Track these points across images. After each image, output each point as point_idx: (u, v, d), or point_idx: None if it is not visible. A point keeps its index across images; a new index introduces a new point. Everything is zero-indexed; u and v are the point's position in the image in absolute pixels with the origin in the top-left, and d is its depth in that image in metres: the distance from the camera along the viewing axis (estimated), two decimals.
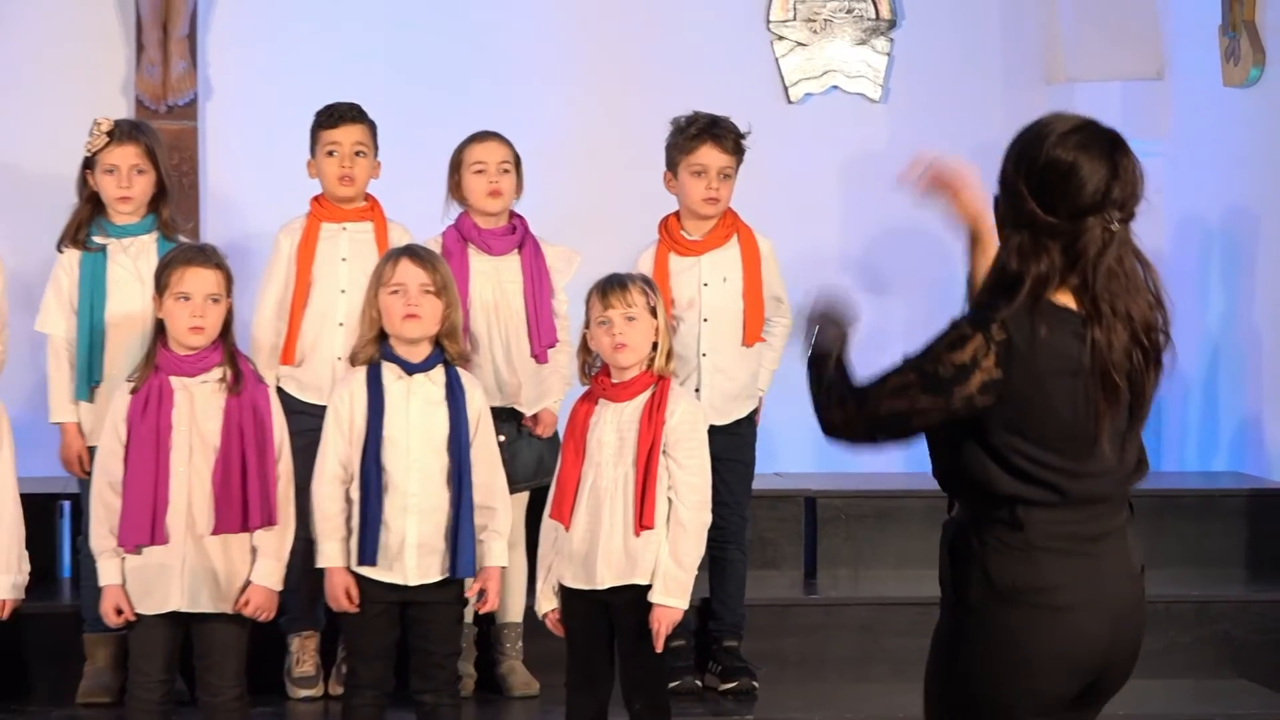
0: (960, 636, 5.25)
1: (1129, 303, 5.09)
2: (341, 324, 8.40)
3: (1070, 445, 5.11)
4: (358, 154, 8.53)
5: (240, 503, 7.46)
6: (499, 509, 7.68)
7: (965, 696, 5.25)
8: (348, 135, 8.53)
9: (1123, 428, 5.16)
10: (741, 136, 8.55)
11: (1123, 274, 5.09)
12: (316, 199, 8.58)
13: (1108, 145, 5.14)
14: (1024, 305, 5.07)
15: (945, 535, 5.31)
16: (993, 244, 5.39)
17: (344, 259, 8.52)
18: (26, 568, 7.56)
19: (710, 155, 8.47)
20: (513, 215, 8.58)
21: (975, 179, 5.54)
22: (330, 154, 8.52)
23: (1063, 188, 5.09)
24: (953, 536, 5.27)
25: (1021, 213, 5.12)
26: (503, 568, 7.71)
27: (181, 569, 7.46)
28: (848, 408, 5.18)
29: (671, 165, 8.55)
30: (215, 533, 7.46)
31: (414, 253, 7.66)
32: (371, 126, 8.61)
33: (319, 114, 8.60)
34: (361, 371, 7.60)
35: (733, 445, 8.46)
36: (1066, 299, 5.10)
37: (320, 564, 7.57)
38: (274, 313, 8.48)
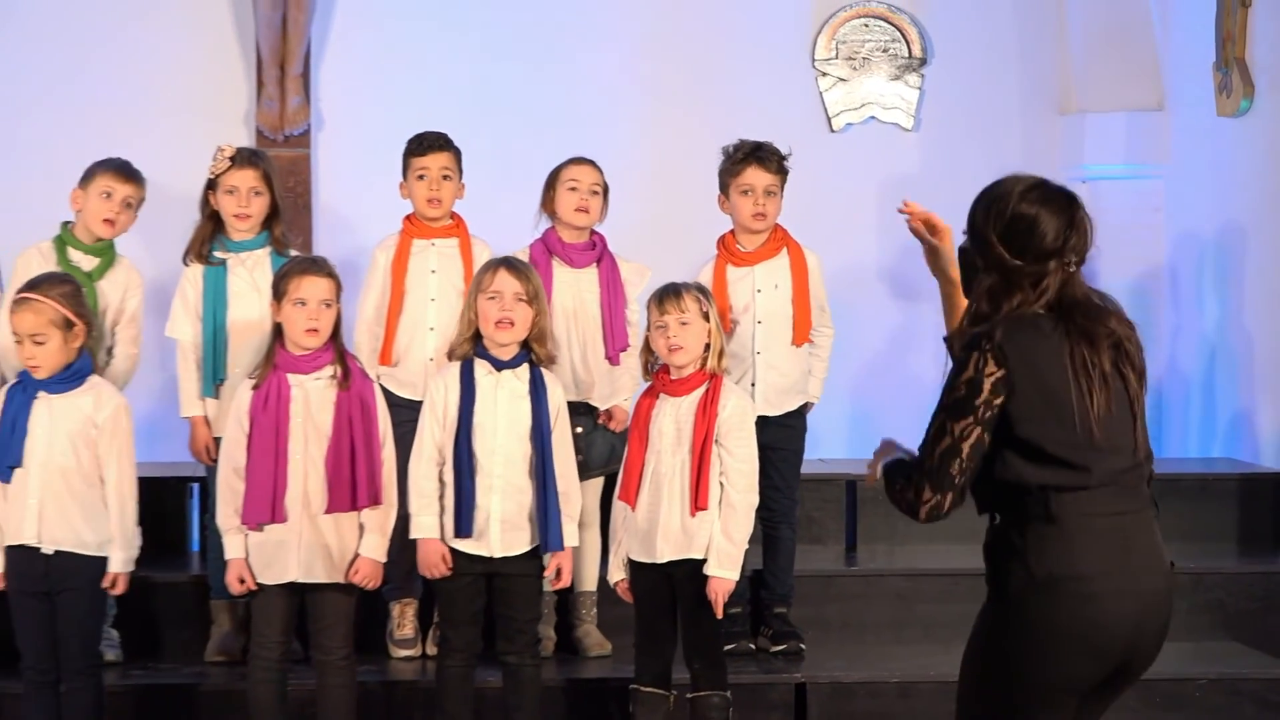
0: (1002, 623, 5.27)
1: (1098, 326, 5.21)
2: (432, 328, 8.40)
3: (1072, 422, 5.15)
4: (444, 178, 8.49)
5: (350, 485, 7.48)
6: (571, 495, 7.69)
7: (1002, 677, 5.27)
8: (435, 161, 8.49)
9: (1124, 421, 5.22)
10: (784, 158, 8.50)
11: (1082, 304, 5.23)
12: (408, 218, 8.56)
13: (1065, 201, 5.28)
14: (1006, 317, 5.19)
15: (987, 537, 5.35)
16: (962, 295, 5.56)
17: (433, 271, 8.49)
18: (138, 544, 7.58)
19: (755, 176, 8.44)
20: (593, 233, 8.54)
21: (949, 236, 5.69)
22: (420, 178, 8.49)
23: (1028, 236, 5.22)
24: (991, 540, 5.32)
25: (991, 258, 5.24)
26: (574, 547, 7.72)
27: (298, 544, 7.49)
28: (915, 482, 5.23)
29: (723, 188, 8.52)
30: (328, 511, 7.49)
31: (511, 264, 7.67)
32: (456, 153, 8.56)
33: (410, 142, 8.56)
34: (456, 366, 7.61)
35: (784, 436, 8.46)
36: (1033, 311, 5.22)
37: (414, 535, 7.58)
38: (372, 319, 8.46)
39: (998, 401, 5.15)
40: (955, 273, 5.67)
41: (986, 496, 5.32)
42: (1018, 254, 5.21)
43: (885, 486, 5.37)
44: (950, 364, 5.30)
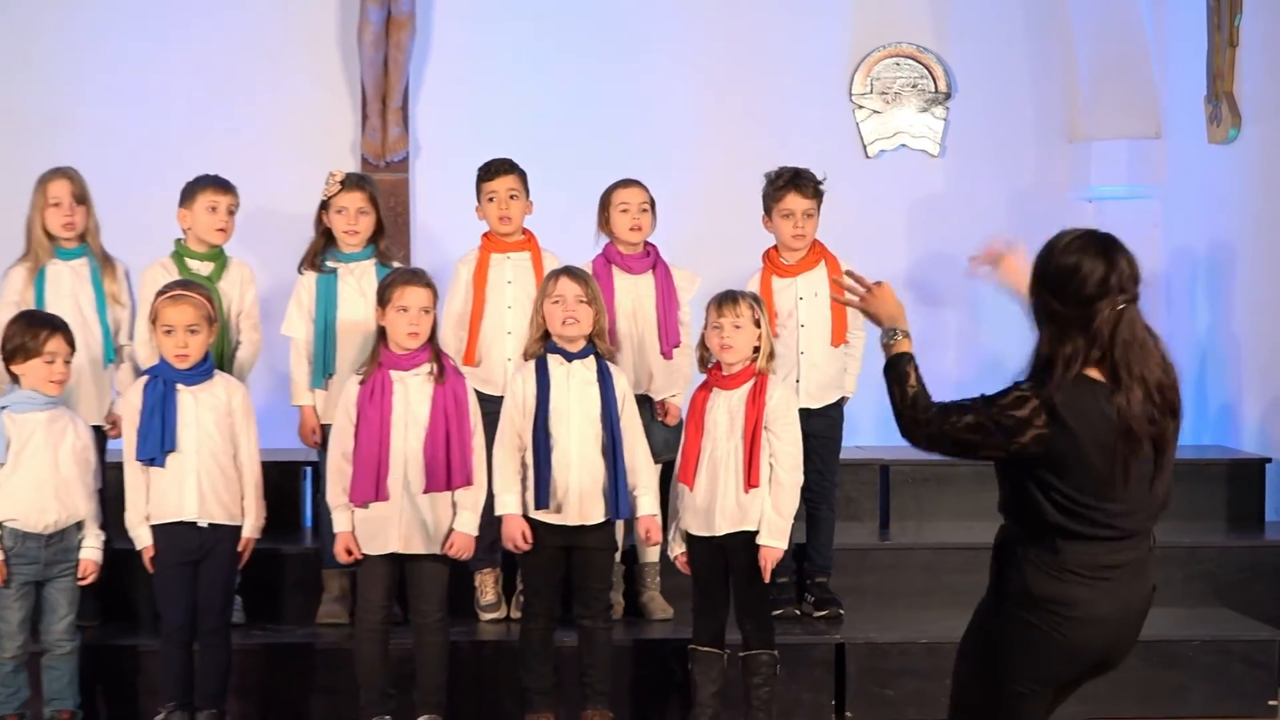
0: (999, 619, 5.35)
1: (1143, 368, 5.15)
2: (509, 332, 8.40)
3: (1101, 490, 5.16)
4: (511, 197, 8.46)
5: (445, 468, 7.52)
6: (644, 469, 7.72)
7: (993, 663, 5.36)
8: (502, 184, 8.47)
9: (1149, 471, 5.21)
10: (819, 183, 8.50)
11: (1136, 344, 5.16)
12: (486, 235, 8.54)
13: (1103, 246, 5.21)
14: (1066, 379, 5.14)
15: (998, 537, 5.42)
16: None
17: (509, 281, 8.47)
18: (264, 514, 7.68)
19: (794, 201, 8.44)
20: (647, 244, 8.55)
21: (1020, 256, 5.67)
22: (490, 200, 8.48)
23: (1071, 284, 5.17)
24: (1002, 540, 5.39)
25: (1046, 309, 5.23)
26: (654, 515, 7.74)
27: (399, 519, 7.54)
28: (931, 421, 5.26)
29: (766, 210, 8.53)
30: (426, 491, 7.54)
31: (571, 271, 7.72)
32: (522, 175, 8.53)
33: (480, 170, 8.54)
34: (532, 363, 7.66)
35: (825, 425, 8.47)
36: (1096, 374, 5.16)
37: (499, 512, 7.62)
38: (455, 324, 8.43)
39: (1033, 450, 5.16)
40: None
41: (1009, 506, 5.37)
42: (1065, 302, 5.17)
43: (891, 370, 5.40)
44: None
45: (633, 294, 8.49)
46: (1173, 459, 5.31)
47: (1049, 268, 5.22)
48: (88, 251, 8.36)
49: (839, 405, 8.65)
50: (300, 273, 8.46)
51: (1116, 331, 5.14)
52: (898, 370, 5.40)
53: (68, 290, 8.29)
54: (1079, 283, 5.16)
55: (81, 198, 8.33)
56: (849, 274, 5.79)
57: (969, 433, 5.21)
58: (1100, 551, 5.21)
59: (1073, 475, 5.15)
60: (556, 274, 7.70)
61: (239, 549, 7.63)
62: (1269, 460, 9.71)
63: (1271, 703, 8.26)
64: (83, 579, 7.69)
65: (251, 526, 7.67)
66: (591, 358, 7.67)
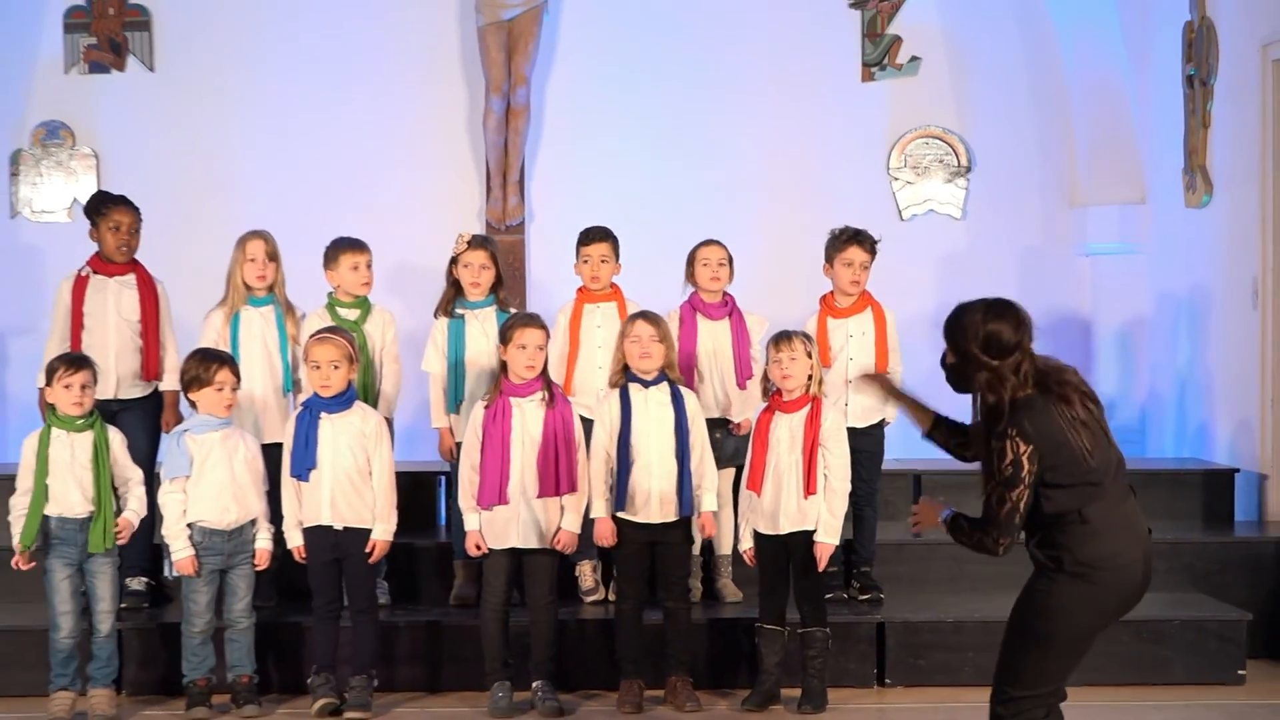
0: (1059, 586, 5.42)
1: (1065, 380, 5.48)
2: (600, 367, 8.34)
3: (1081, 461, 5.39)
4: (603, 261, 8.45)
5: (554, 477, 7.55)
6: (708, 475, 7.75)
7: (1054, 622, 5.42)
8: (596, 250, 8.46)
9: (1103, 439, 5.45)
10: (875, 241, 8.48)
11: (1051, 368, 5.51)
12: (581, 288, 8.54)
13: (1008, 309, 5.52)
14: (1014, 407, 5.41)
15: (1029, 545, 5.53)
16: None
17: (599, 327, 8.45)
18: (394, 519, 7.66)
19: (855, 253, 8.40)
20: (725, 294, 8.52)
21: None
22: (585, 261, 8.47)
23: (998, 343, 5.46)
24: (1037, 543, 5.51)
25: (978, 364, 5.48)
26: (714, 511, 7.79)
27: (518, 520, 7.56)
28: (996, 535, 5.44)
29: (829, 259, 8.46)
30: (539, 496, 7.56)
31: (645, 315, 7.77)
32: (614, 241, 8.50)
33: (579, 235, 8.52)
34: (616, 391, 7.72)
35: (868, 442, 8.39)
36: (1030, 392, 5.45)
37: (592, 515, 7.67)
38: (556, 361, 8.33)
39: (1035, 469, 5.38)
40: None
41: (1032, 524, 5.51)
42: (995, 356, 5.45)
43: (954, 535, 5.60)
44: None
45: (713, 335, 8.45)
46: (1107, 427, 5.55)
47: (978, 334, 5.49)
48: (274, 300, 8.41)
49: (880, 425, 8.59)
50: (435, 317, 8.46)
51: (1034, 365, 5.47)
52: (956, 533, 5.59)
53: (257, 332, 8.35)
54: (1004, 340, 5.45)
55: (273, 255, 8.39)
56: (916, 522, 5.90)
57: (1004, 506, 5.40)
58: (1107, 502, 5.41)
59: (1063, 462, 5.38)
60: (634, 317, 7.77)
61: (366, 550, 7.62)
62: (1237, 470, 9.61)
63: (1240, 672, 8.18)
64: (258, 566, 7.74)
65: (381, 530, 7.64)
66: (665, 384, 7.70)
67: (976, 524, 5.49)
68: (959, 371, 5.55)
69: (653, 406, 7.67)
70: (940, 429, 5.88)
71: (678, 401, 7.68)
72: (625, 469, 7.63)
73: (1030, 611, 5.46)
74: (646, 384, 7.68)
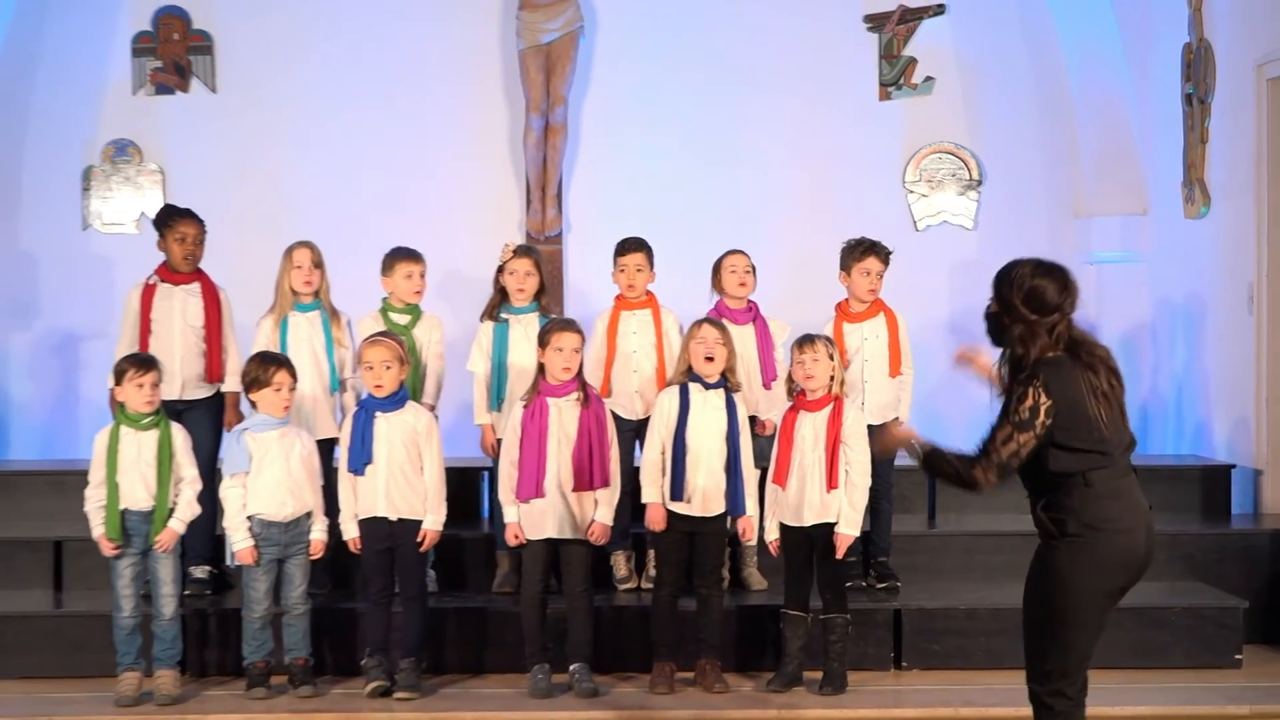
0: (1061, 553, 5.34)
1: (1094, 352, 5.40)
2: (635, 371, 8.37)
3: (1092, 428, 5.31)
4: (638, 270, 8.45)
5: (588, 472, 7.55)
6: (750, 480, 7.74)
7: (1063, 591, 5.34)
8: (631, 260, 8.46)
9: (1118, 419, 5.38)
10: (889, 252, 8.49)
11: (1081, 337, 5.41)
12: (618, 297, 8.53)
13: (1060, 272, 5.42)
14: (1042, 362, 5.33)
15: (1034, 510, 5.43)
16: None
17: (634, 333, 8.43)
18: (444, 510, 7.66)
19: (872, 263, 8.41)
20: (749, 301, 8.54)
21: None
22: (622, 270, 8.48)
23: (1041, 298, 5.36)
24: (1042, 508, 5.41)
25: (1018, 317, 5.38)
26: (753, 515, 7.78)
27: (554, 512, 7.57)
28: (985, 468, 5.33)
29: (845, 268, 8.46)
30: (574, 490, 7.56)
31: (712, 321, 7.81)
32: (648, 251, 8.50)
33: (616, 245, 8.54)
34: (677, 388, 7.71)
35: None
36: (1059, 354, 5.36)
37: (645, 500, 7.66)
38: (594, 364, 8.35)
39: (1049, 422, 5.29)
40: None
41: (1039, 485, 5.41)
42: (1035, 311, 5.35)
43: (930, 465, 5.44)
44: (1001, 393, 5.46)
45: (739, 340, 8.33)
46: (1125, 408, 5.47)
47: (1024, 287, 5.37)
48: (320, 306, 8.42)
49: (895, 423, 8.53)
50: (481, 321, 8.47)
51: (1069, 331, 5.37)
52: (937, 461, 5.44)
53: (305, 336, 8.35)
54: (1047, 298, 5.35)
55: (318, 263, 8.41)
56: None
57: (1008, 444, 5.29)
58: (1114, 474, 5.34)
59: (1074, 423, 5.29)
60: (700, 322, 7.80)
61: (417, 539, 7.63)
62: (1234, 466, 9.55)
63: (1237, 656, 8.15)
64: (313, 556, 7.75)
65: (432, 521, 7.65)
66: (722, 389, 7.71)
67: (967, 457, 5.36)
68: (998, 322, 5.45)
69: (709, 408, 7.67)
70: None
71: (731, 407, 7.69)
72: (679, 463, 7.63)
73: (1039, 587, 5.40)
74: (707, 386, 7.68)
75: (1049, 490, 5.37)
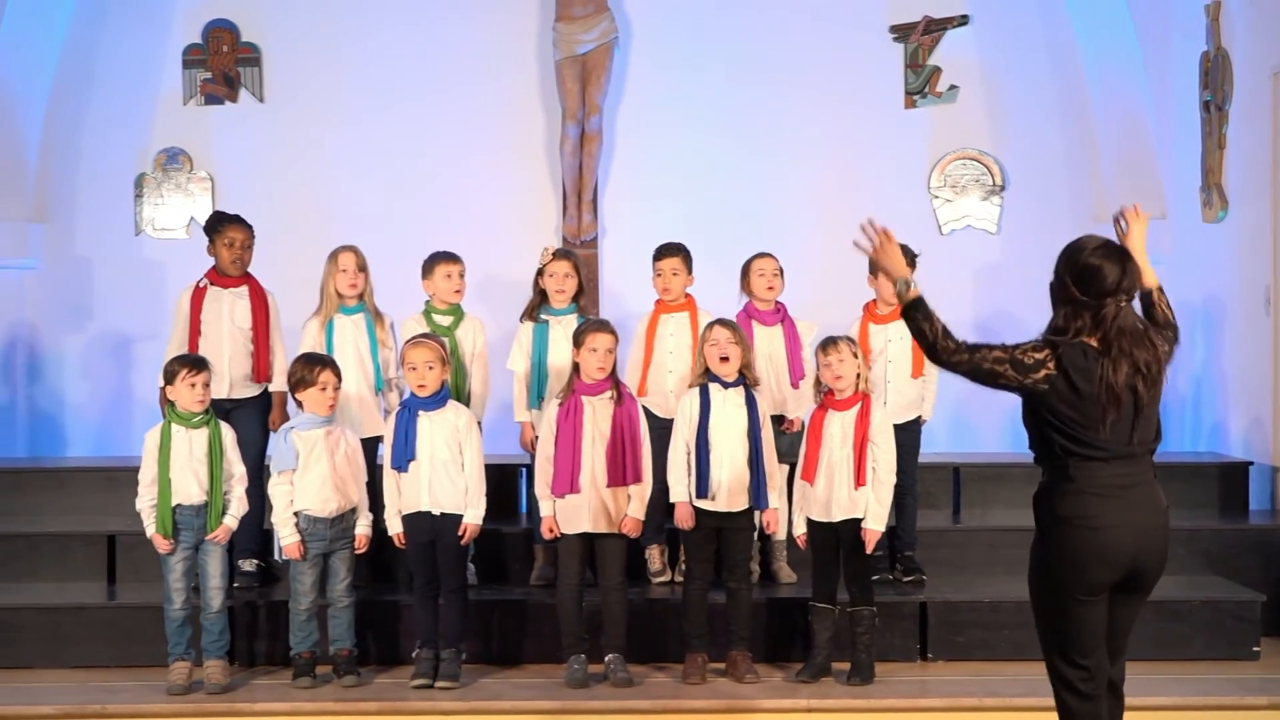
0: (1044, 544, 5.28)
1: (1133, 348, 5.15)
2: (671, 371, 8.36)
3: (1091, 424, 5.15)
4: (674, 275, 8.45)
5: (621, 468, 7.53)
6: (774, 474, 7.69)
7: (1047, 580, 5.28)
8: (668, 264, 8.46)
9: (1130, 418, 5.17)
10: (915, 256, 8.34)
11: (1129, 330, 5.17)
12: (658, 300, 8.54)
13: (1120, 256, 5.21)
14: (1071, 341, 5.17)
15: (1034, 495, 5.35)
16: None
17: (671, 335, 8.44)
18: (484, 505, 7.65)
19: None
20: (777, 302, 8.53)
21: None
22: (658, 275, 8.49)
23: (1092, 279, 5.17)
24: (1037, 492, 5.32)
25: (1066, 293, 5.22)
26: (776, 509, 7.74)
27: (588, 507, 7.54)
28: (962, 350, 5.22)
29: (873, 271, 8.39)
30: (608, 486, 7.54)
31: (723, 321, 7.75)
32: (686, 256, 8.49)
33: (654, 251, 8.54)
34: (697, 390, 7.68)
35: (907, 436, 8.32)
36: (1093, 342, 5.18)
37: (673, 499, 7.64)
38: (632, 365, 8.42)
39: (1040, 388, 5.15)
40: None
41: (1034, 450, 5.33)
42: (1084, 292, 5.17)
43: (909, 309, 5.31)
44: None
45: (767, 340, 8.44)
46: (1154, 414, 5.26)
47: (1077, 264, 5.19)
48: (364, 308, 8.41)
49: (917, 421, 8.56)
50: (521, 322, 8.48)
51: (1116, 319, 5.15)
52: (922, 310, 5.32)
53: (350, 338, 8.35)
54: (1100, 281, 5.15)
55: (362, 267, 8.41)
56: (866, 224, 5.64)
57: (995, 364, 5.18)
58: (1107, 473, 5.17)
59: (1071, 410, 5.13)
60: (712, 324, 7.75)
61: (459, 532, 7.62)
62: (1251, 463, 9.49)
63: (1255, 649, 8.11)
64: (358, 550, 7.75)
65: (473, 515, 7.63)
66: (741, 387, 7.66)
67: (948, 330, 5.24)
68: (1051, 293, 5.29)
69: (729, 407, 7.63)
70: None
71: (751, 404, 7.65)
72: (703, 461, 7.60)
73: (1030, 566, 5.37)
74: (725, 385, 7.64)
75: (1045, 475, 5.30)
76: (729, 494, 7.61)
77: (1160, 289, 5.50)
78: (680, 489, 7.63)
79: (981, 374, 5.20)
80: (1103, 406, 5.13)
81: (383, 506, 7.71)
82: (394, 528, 7.64)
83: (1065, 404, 5.15)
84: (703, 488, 7.59)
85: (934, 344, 5.26)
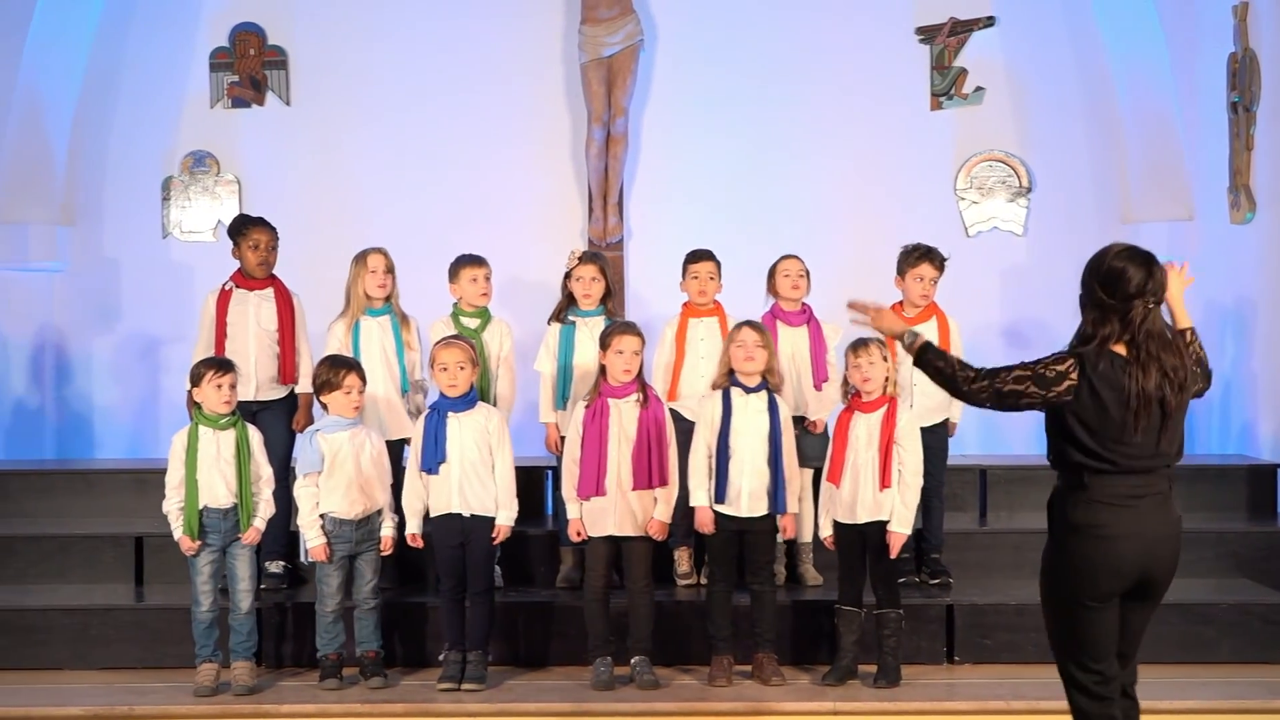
0: (1054, 551, 5.29)
1: (1161, 352, 5.14)
2: (702, 376, 8.30)
3: (1114, 434, 5.14)
4: (710, 279, 8.46)
5: (648, 471, 7.53)
6: (793, 479, 7.69)
7: (1057, 586, 5.29)
8: (703, 268, 8.46)
9: (1158, 426, 5.16)
10: (945, 259, 8.47)
11: (1156, 335, 5.16)
12: (686, 304, 8.55)
13: (1146, 259, 5.20)
14: (1096, 349, 5.16)
15: (1050, 497, 5.36)
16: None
17: (702, 339, 8.42)
18: (515, 507, 7.65)
19: (926, 269, 8.39)
20: (803, 304, 8.53)
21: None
22: (694, 279, 8.48)
23: (1118, 282, 5.15)
24: (1051, 497, 5.33)
25: (1094, 297, 5.20)
26: (795, 514, 7.75)
27: (614, 510, 7.54)
28: (980, 378, 5.25)
29: (900, 272, 8.45)
30: (634, 489, 7.54)
31: (751, 324, 7.74)
32: (717, 261, 8.51)
33: (687, 254, 8.54)
34: (719, 393, 7.66)
35: (934, 439, 8.31)
36: (1121, 350, 5.16)
37: (693, 504, 7.62)
38: (663, 369, 8.44)
39: (1064, 399, 5.16)
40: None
41: (1051, 458, 5.33)
42: (1110, 295, 5.15)
43: (920, 356, 5.36)
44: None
45: (792, 342, 8.44)
46: (1180, 423, 5.25)
47: (1103, 267, 5.18)
48: (390, 310, 8.43)
49: (944, 424, 8.55)
50: (548, 324, 8.49)
51: (1144, 323, 5.13)
52: (932, 350, 5.39)
53: (376, 339, 8.36)
54: (1125, 283, 5.14)
55: (390, 269, 8.43)
56: (852, 304, 5.72)
57: (1015, 384, 5.19)
58: (1120, 484, 5.16)
59: (1093, 422, 5.13)
60: (739, 325, 7.75)
61: (492, 534, 7.62)
62: (1279, 466, 9.45)
63: None
64: (383, 552, 7.76)
65: (504, 517, 7.64)
66: (764, 391, 7.64)
67: (965, 364, 5.28)
68: (1080, 303, 5.28)
69: (751, 410, 7.62)
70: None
71: (773, 409, 7.64)
72: (723, 465, 7.60)
73: (1041, 570, 5.37)
74: (748, 390, 7.63)
75: (1061, 468, 5.30)
76: (750, 499, 7.60)
77: (1193, 330, 5.50)
78: (701, 494, 7.63)
79: (1005, 399, 5.22)
80: (1133, 414, 5.11)
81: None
82: (411, 528, 7.65)
83: (1088, 413, 5.14)
84: (722, 493, 7.59)
85: (954, 378, 5.31)
